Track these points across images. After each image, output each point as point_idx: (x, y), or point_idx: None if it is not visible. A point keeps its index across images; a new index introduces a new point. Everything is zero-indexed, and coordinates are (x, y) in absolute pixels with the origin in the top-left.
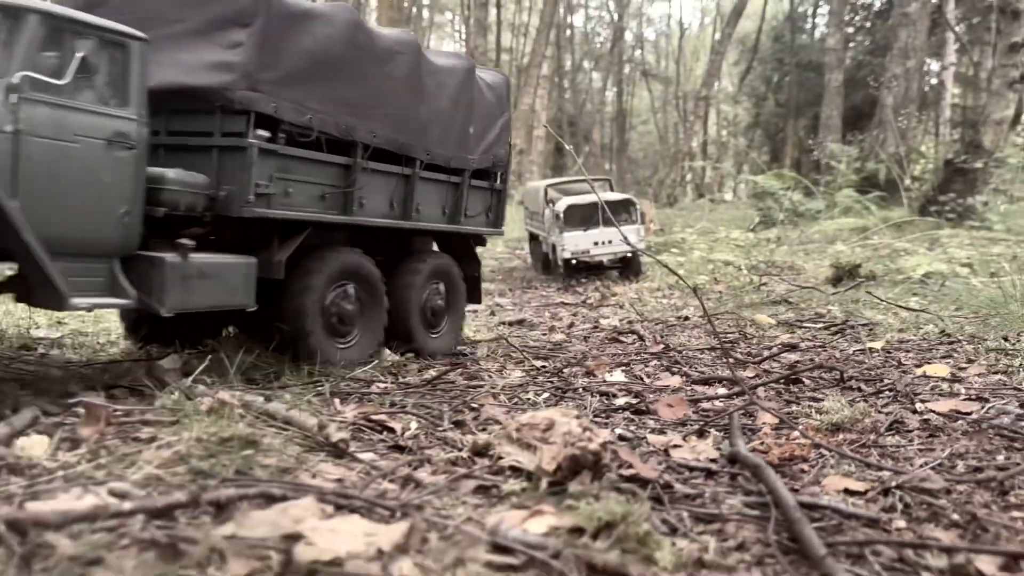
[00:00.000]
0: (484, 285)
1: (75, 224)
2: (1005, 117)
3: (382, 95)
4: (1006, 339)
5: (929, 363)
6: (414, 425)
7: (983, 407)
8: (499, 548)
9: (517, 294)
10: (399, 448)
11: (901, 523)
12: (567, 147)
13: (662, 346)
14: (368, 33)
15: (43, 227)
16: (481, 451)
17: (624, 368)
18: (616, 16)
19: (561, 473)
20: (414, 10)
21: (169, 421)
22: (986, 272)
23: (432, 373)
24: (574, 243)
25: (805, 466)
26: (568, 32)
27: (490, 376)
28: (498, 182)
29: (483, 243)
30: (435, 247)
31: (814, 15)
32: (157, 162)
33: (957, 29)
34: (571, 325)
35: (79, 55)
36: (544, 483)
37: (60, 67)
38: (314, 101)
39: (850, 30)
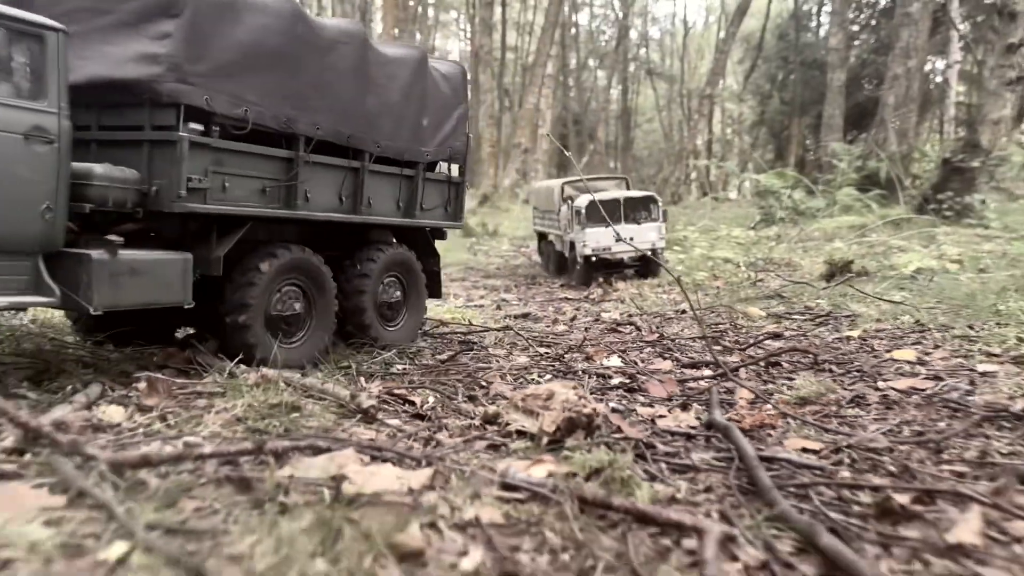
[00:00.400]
0: (491, 282)
1: None
2: (1002, 116)
3: (325, 86)
4: (971, 327)
5: (899, 348)
6: (432, 399)
7: (938, 384)
8: (508, 487)
9: (522, 290)
10: (420, 417)
11: (846, 473)
12: (567, 152)
13: (657, 336)
14: (308, 23)
15: None
16: (491, 419)
17: (621, 354)
18: (621, 14)
19: (559, 433)
20: (419, 9)
21: (221, 393)
22: (975, 268)
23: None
24: (595, 239)
25: (772, 432)
26: (573, 31)
27: (498, 360)
28: (456, 175)
29: (443, 237)
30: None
31: (818, 13)
32: (89, 157)
33: (961, 28)
34: (573, 318)
35: None
36: (545, 441)
37: None
38: (250, 93)
39: (855, 28)
